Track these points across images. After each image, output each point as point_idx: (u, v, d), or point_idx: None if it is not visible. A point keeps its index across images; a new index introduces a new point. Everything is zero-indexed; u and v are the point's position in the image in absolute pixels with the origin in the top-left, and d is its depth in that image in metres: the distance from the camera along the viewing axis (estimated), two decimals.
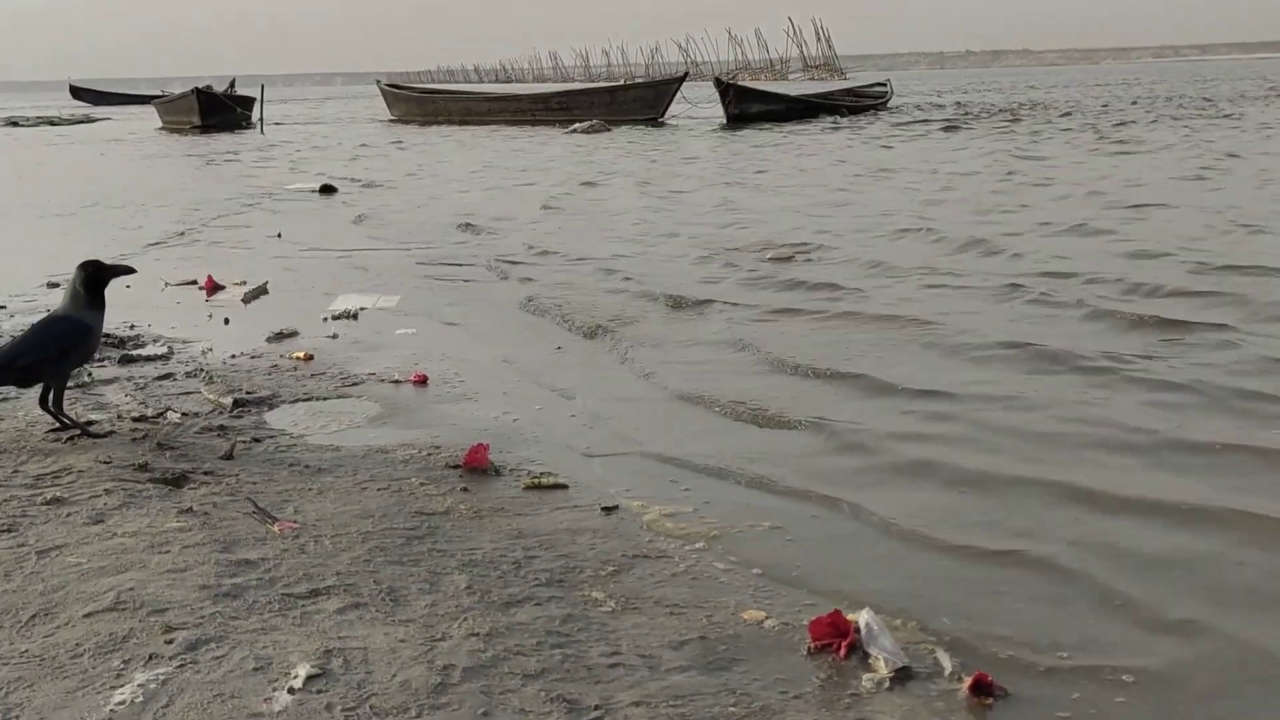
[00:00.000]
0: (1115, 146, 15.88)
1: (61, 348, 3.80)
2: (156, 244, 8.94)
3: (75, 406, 4.18)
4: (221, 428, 4.01)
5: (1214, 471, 3.45)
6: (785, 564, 2.87)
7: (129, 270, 4.21)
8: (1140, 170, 12.46)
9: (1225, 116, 21.94)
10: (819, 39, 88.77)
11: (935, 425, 3.94)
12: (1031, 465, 3.52)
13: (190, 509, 3.14)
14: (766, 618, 2.57)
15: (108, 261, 4.04)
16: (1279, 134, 17.21)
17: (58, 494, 3.26)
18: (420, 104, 31.53)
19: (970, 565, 2.85)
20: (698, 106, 28.81)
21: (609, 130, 23.29)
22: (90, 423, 3.97)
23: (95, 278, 3.90)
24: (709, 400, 4.28)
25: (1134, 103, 28.62)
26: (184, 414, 4.15)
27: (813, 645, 2.44)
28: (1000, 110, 27.26)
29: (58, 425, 3.85)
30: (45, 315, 4.14)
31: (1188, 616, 2.54)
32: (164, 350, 5.20)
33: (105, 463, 3.54)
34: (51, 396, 3.82)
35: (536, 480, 3.48)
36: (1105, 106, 27.50)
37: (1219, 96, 30.81)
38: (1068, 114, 24.79)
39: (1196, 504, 3.15)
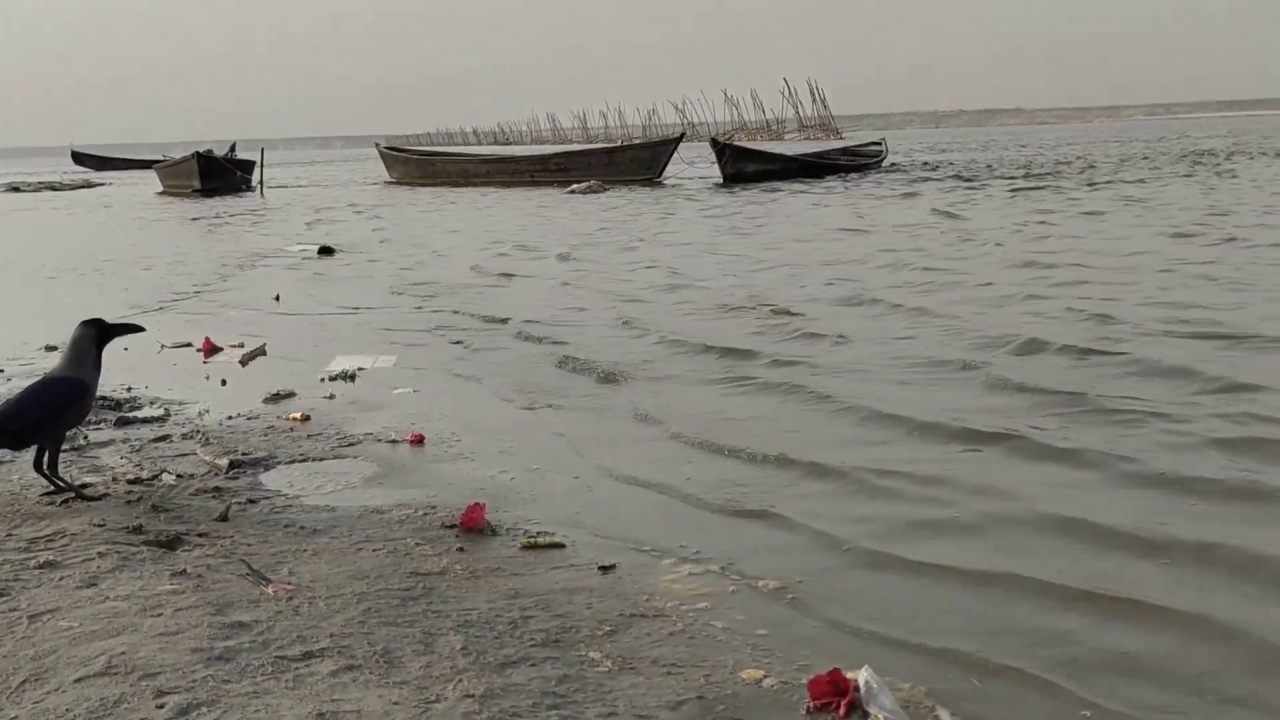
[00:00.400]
0: (1094, 204, 15.98)
1: (59, 408, 3.75)
2: (155, 307, 8.95)
3: (70, 469, 4.17)
4: (217, 489, 3.99)
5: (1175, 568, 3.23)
6: (784, 624, 2.85)
7: (137, 329, 4.19)
8: (1123, 230, 12.54)
9: (1218, 173, 22.09)
10: (814, 99, 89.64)
11: (912, 509, 3.73)
12: (1008, 557, 3.28)
13: (184, 571, 3.12)
14: (765, 676, 2.54)
15: (112, 320, 4.04)
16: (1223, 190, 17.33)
17: (50, 557, 3.24)
18: (418, 166, 31.74)
19: (967, 649, 2.80)
20: (694, 166, 29.05)
21: (606, 190, 23.47)
22: (85, 485, 3.95)
23: (97, 336, 3.87)
24: (706, 462, 4.27)
25: (1102, 161, 28.78)
26: (179, 476, 4.14)
27: (812, 704, 2.42)
28: (985, 168, 27.45)
29: (52, 488, 3.82)
30: (41, 376, 4.10)
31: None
32: (160, 412, 5.20)
33: (99, 525, 3.52)
34: (46, 459, 3.80)
35: (533, 540, 3.46)
36: (1078, 160, 27.74)
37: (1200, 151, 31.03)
38: (1053, 173, 24.96)
39: (1154, 601, 2.94)
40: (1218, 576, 3.11)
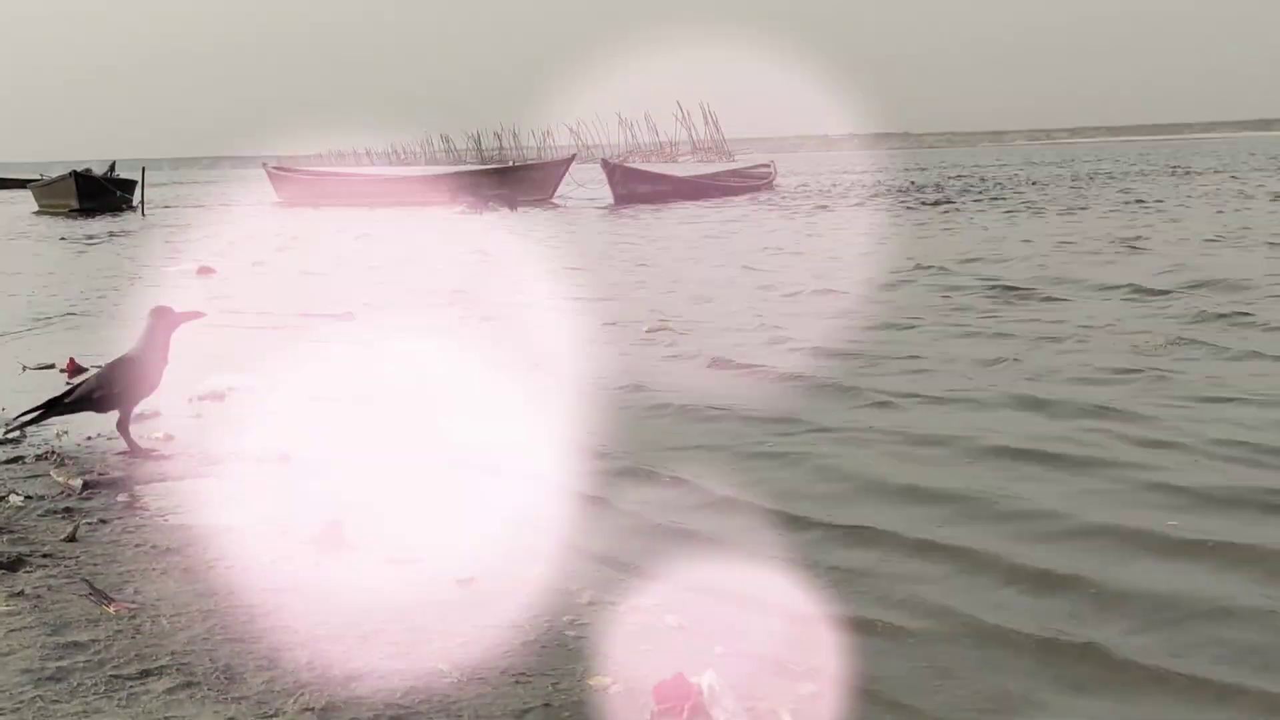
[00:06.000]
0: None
1: (123, 381, 4.55)
2: (22, 328, 8.65)
3: None
4: (68, 510, 3.88)
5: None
6: (634, 634, 2.86)
7: (198, 315, 4.83)
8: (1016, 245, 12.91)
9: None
10: (707, 123, 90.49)
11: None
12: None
13: (22, 592, 3.03)
14: (612, 684, 2.55)
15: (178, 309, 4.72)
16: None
17: None
18: (308, 186, 31.21)
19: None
20: (587, 187, 29.17)
21: (497, 210, 23.42)
22: (152, 450, 4.61)
23: (158, 322, 4.61)
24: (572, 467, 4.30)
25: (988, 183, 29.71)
26: (29, 497, 4.01)
27: (656, 709, 2.44)
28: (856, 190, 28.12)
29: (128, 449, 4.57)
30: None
31: None
32: (15, 434, 5.02)
33: None
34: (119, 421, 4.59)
35: (393, 556, 3.43)
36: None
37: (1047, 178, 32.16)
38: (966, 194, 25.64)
39: None
40: None
